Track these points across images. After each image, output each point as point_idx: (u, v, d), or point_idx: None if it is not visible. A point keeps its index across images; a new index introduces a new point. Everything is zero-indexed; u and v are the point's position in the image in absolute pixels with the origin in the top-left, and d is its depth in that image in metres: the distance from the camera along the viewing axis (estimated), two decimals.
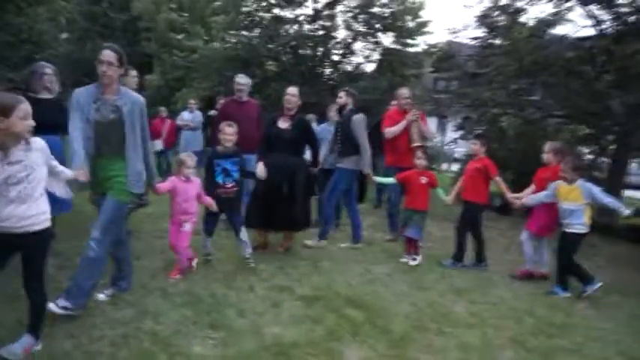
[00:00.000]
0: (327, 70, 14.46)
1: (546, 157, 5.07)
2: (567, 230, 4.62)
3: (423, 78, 14.43)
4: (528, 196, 5.02)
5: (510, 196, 5.16)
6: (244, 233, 4.56)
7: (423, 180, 5.26)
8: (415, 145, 5.82)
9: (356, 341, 3.25)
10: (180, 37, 17.46)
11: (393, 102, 6.72)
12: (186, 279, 4.11)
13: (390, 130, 5.99)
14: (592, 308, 4.35)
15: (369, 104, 11.06)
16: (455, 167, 11.55)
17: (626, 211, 4.61)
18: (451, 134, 11.10)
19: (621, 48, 6.24)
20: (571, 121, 8.40)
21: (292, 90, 5.16)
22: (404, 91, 6.20)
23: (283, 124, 5.06)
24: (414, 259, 5.17)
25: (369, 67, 14.75)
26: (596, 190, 4.59)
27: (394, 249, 5.68)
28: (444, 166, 16.73)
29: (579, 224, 4.56)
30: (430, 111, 10.23)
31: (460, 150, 11.69)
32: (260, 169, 4.75)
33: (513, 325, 3.74)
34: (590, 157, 9.09)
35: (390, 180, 5.61)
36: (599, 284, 4.56)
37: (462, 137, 9.83)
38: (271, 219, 4.94)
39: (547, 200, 4.79)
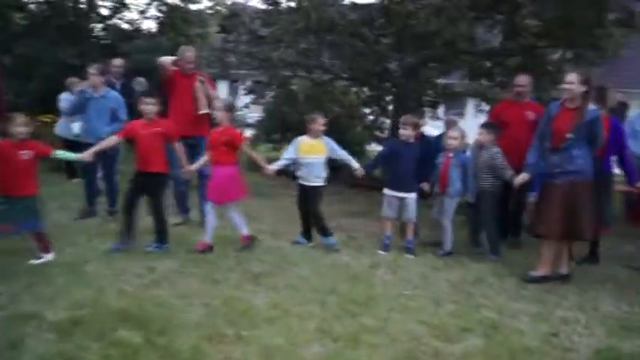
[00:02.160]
0: (97, 27, 12.41)
1: (219, 115, 4.72)
2: (307, 184, 4.84)
3: (210, 38, 13.47)
4: (276, 164, 4.89)
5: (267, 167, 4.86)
6: None
7: (25, 155, 3.96)
8: (203, 112, 5.16)
9: None
10: None
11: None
12: None
13: None
14: (389, 273, 4.33)
15: (149, 66, 9.78)
16: (248, 133, 11.10)
17: (356, 165, 4.96)
18: (243, 99, 10.62)
19: (399, 9, 6.40)
20: (356, 84, 8.60)
21: None
22: (188, 53, 5.38)
23: None
24: (41, 257, 4.02)
25: (150, 25, 13.20)
26: (335, 144, 4.93)
27: (185, 235, 4.94)
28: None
29: (318, 177, 4.83)
30: (219, 74, 9.53)
31: (253, 115, 11.30)
32: None
33: (318, 311, 3.40)
34: (372, 117, 9.60)
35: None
36: (334, 243, 4.87)
37: (254, 102, 9.44)
38: None
39: (291, 157, 4.89)
